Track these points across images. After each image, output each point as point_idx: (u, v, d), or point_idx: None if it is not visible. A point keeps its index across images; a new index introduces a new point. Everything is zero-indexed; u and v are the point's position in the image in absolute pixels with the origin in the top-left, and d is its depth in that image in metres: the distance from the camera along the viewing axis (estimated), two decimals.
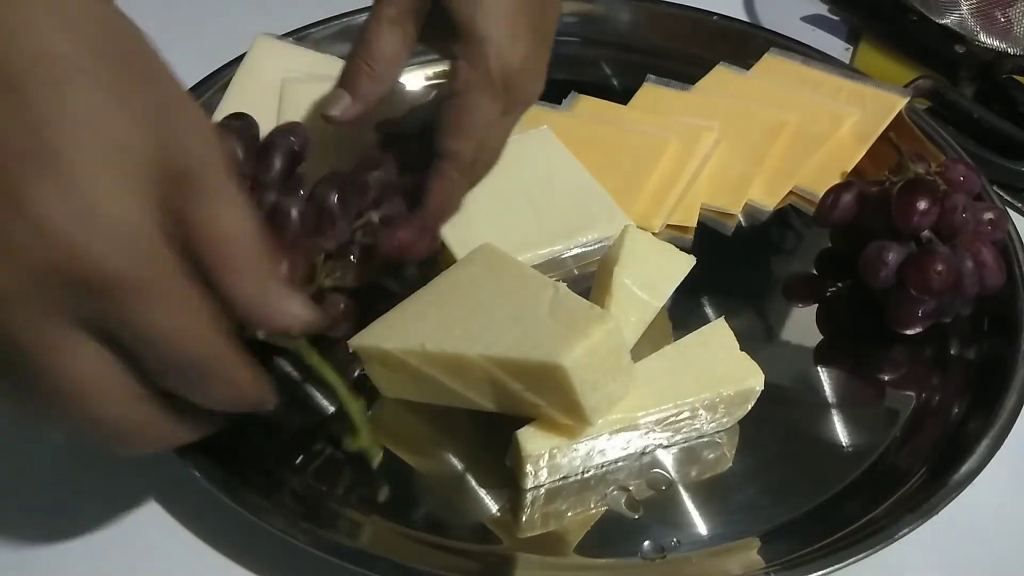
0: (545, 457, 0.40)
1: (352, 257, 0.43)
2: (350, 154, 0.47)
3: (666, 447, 0.44)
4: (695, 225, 0.55)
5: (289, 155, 0.43)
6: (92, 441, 0.34)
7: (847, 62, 0.68)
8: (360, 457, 0.43)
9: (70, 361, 0.29)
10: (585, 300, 0.39)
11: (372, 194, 0.44)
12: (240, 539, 0.40)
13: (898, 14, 0.70)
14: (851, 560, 0.38)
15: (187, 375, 0.31)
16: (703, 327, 0.44)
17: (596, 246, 0.52)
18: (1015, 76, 0.65)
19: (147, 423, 0.32)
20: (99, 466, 0.42)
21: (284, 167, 0.43)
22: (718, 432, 0.45)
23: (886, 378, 0.49)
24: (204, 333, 0.31)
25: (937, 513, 0.40)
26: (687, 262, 0.47)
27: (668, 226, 0.55)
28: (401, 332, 0.42)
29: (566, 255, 0.52)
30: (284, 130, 0.45)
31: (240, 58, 0.58)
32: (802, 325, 0.51)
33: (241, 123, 0.45)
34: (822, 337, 0.50)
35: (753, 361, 0.43)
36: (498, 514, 0.41)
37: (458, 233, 0.49)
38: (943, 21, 0.67)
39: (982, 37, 0.67)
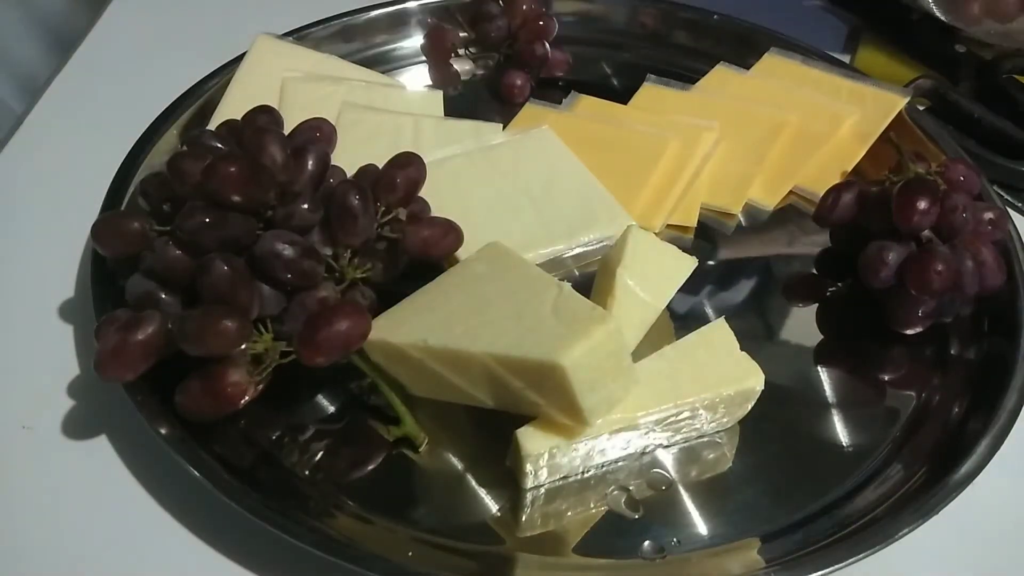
0: (545, 457, 0.40)
1: (380, 252, 0.44)
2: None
3: (666, 447, 0.44)
4: (695, 225, 0.55)
5: (321, 160, 0.43)
6: None
7: (847, 62, 0.68)
8: (359, 457, 0.43)
9: None
10: (588, 300, 0.39)
11: (400, 191, 0.45)
12: (239, 538, 0.40)
13: (898, 13, 0.70)
14: (851, 560, 0.38)
15: None
16: (703, 327, 0.44)
17: (597, 246, 0.52)
18: (1015, 76, 0.65)
19: None
20: (95, 465, 0.42)
21: (316, 172, 0.43)
22: (718, 432, 0.45)
23: (886, 378, 0.49)
24: None
25: (937, 513, 0.40)
26: (689, 264, 0.47)
27: (668, 226, 0.55)
28: (405, 326, 0.42)
29: (567, 255, 0.52)
30: (314, 131, 0.46)
31: (240, 58, 0.58)
32: (802, 325, 0.51)
33: (269, 117, 0.46)
34: (822, 337, 0.50)
35: (753, 361, 0.43)
36: (498, 514, 0.41)
37: None
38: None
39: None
